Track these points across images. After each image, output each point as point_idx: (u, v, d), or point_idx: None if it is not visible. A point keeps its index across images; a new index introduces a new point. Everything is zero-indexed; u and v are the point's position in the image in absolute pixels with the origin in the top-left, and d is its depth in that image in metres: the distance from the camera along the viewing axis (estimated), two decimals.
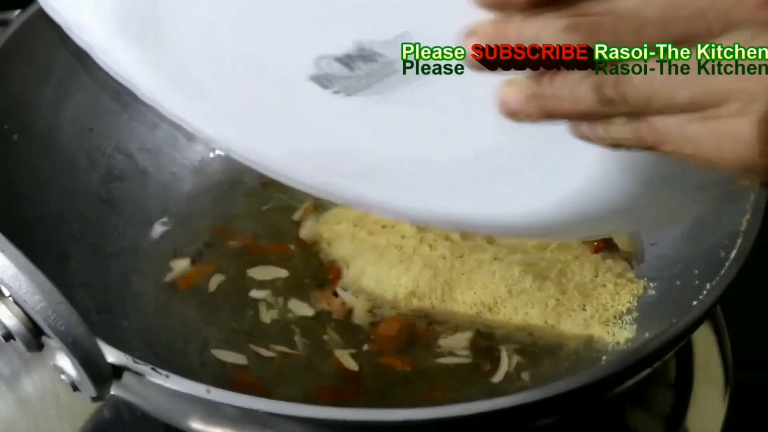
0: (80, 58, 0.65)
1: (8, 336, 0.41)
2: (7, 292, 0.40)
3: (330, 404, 0.50)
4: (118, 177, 0.68)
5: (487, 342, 0.60)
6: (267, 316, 0.62)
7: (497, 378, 0.58)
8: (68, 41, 0.63)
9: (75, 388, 0.42)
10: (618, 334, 0.60)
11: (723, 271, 0.50)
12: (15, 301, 0.40)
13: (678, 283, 0.59)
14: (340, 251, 0.66)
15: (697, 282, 0.55)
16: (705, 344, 0.65)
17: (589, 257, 0.65)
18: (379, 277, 0.64)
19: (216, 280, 0.64)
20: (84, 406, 0.58)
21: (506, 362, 0.59)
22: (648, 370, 0.49)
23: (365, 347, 0.60)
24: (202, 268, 0.65)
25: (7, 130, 0.59)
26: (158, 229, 0.67)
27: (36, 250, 0.57)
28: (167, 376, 0.43)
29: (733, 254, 0.51)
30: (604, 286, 0.63)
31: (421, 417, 0.42)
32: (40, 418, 0.58)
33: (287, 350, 0.60)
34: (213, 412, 0.44)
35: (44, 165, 0.62)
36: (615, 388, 0.47)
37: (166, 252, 0.66)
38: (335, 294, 0.64)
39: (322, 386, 0.58)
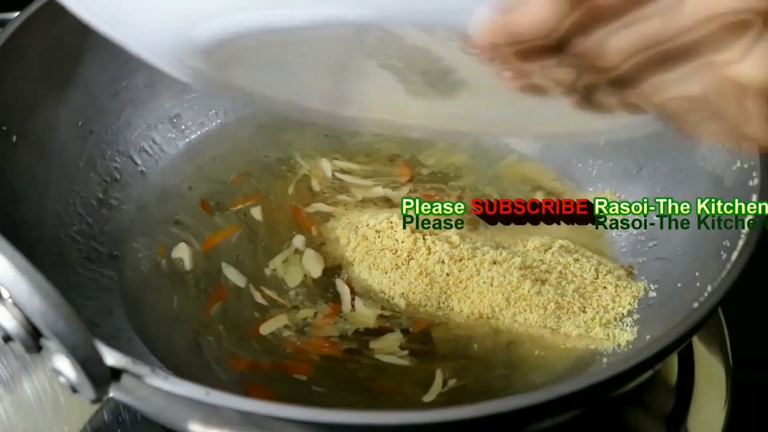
0: (80, 59, 0.66)
1: (7, 338, 0.41)
2: (6, 294, 0.40)
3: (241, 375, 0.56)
4: (117, 179, 0.68)
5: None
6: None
7: (428, 398, 0.58)
8: (67, 43, 0.64)
9: (74, 390, 0.42)
10: (619, 337, 0.60)
11: (724, 274, 0.50)
12: (14, 303, 0.40)
13: (679, 285, 0.59)
14: (338, 252, 0.66)
15: (698, 284, 0.55)
16: (705, 345, 0.65)
17: (589, 259, 0.64)
18: (375, 283, 0.64)
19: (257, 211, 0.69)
20: (83, 408, 0.58)
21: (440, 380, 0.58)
22: (649, 372, 0.49)
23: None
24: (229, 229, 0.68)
25: (6, 131, 0.59)
26: (158, 230, 0.67)
27: (35, 251, 0.58)
28: (166, 378, 0.43)
29: (734, 256, 0.51)
30: (605, 288, 0.63)
31: (421, 420, 0.42)
32: (39, 420, 0.58)
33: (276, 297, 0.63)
34: (212, 414, 0.44)
35: (43, 167, 0.62)
36: (616, 391, 0.47)
37: (165, 253, 0.66)
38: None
39: (242, 358, 0.59)
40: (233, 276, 0.65)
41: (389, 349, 0.60)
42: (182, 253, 0.66)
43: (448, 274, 0.63)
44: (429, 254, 0.64)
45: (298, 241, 0.67)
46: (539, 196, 0.72)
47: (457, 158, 0.74)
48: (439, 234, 0.66)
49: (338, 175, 0.73)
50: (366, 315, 0.62)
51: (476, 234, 0.67)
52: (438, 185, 0.72)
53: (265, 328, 0.61)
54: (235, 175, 0.72)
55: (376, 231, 0.66)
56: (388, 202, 0.71)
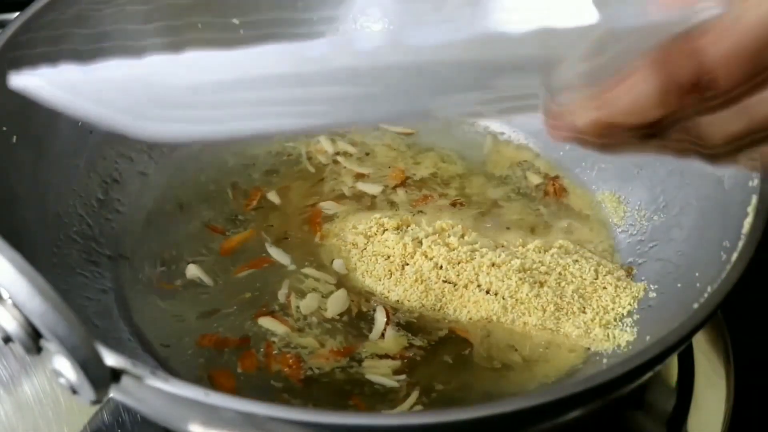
0: (80, 60, 0.65)
1: (7, 339, 0.41)
2: (5, 295, 0.40)
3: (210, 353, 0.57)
4: (117, 180, 0.68)
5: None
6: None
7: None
8: (67, 44, 0.64)
9: (74, 391, 0.42)
10: (619, 337, 0.60)
11: (724, 275, 0.50)
12: (14, 304, 0.40)
13: (679, 285, 0.59)
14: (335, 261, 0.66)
15: (698, 285, 0.55)
16: (705, 345, 0.65)
17: (588, 260, 0.64)
18: (370, 290, 0.63)
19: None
20: (83, 409, 0.58)
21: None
22: (649, 374, 0.49)
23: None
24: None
25: (6, 132, 0.59)
26: (158, 231, 0.67)
27: (35, 252, 0.58)
28: (166, 380, 0.43)
29: (734, 257, 0.51)
30: (605, 288, 0.62)
31: (422, 421, 0.42)
32: (39, 421, 0.58)
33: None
34: (212, 415, 0.44)
35: (43, 167, 0.62)
36: (616, 392, 0.47)
37: (166, 254, 0.66)
38: None
39: (214, 335, 0.60)
40: (277, 255, 0.65)
41: (383, 372, 0.58)
42: (195, 272, 0.64)
43: (444, 281, 0.62)
44: (425, 259, 0.63)
45: (338, 265, 0.65)
46: (534, 179, 0.72)
47: (451, 167, 0.73)
48: (435, 237, 0.65)
49: (337, 158, 0.73)
50: (392, 345, 0.60)
51: (477, 234, 0.67)
52: (429, 190, 0.71)
53: (263, 321, 0.61)
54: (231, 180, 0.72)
55: (365, 236, 0.66)
56: (376, 201, 0.71)
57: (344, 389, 0.57)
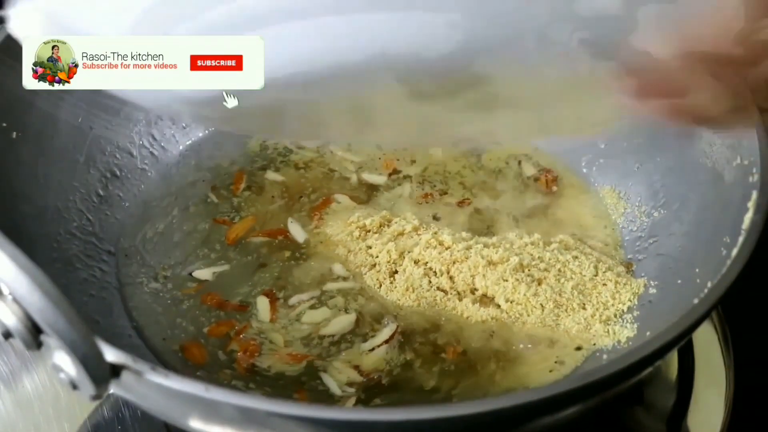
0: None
1: (7, 334, 0.41)
2: (6, 290, 0.40)
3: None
4: (117, 175, 0.68)
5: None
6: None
7: None
8: None
9: (74, 386, 0.42)
10: (619, 333, 0.60)
11: (724, 270, 0.50)
12: (14, 300, 0.40)
13: (679, 281, 0.59)
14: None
15: (698, 280, 0.55)
16: (706, 343, 0.65)
17: (588, 256, 0.64)
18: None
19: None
20: (83, 404, 0.58)
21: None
22: (649, 369, 0.49)
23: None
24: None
25: (6, 128, 0.59)
26: (159, 227, 0.67)
27: (35, 248, 0.58)
28: (166, 375, 0.43)
29: (734, 252, 0.51)
30: (605, 284, 0.62)
31: (422, 416, 0.42)
32: (39, 416, 0.58)
33: None
34: (212, 410, 0.44)
35: (43, 163, 0.62)
36: (616, 387, 0.47)
37: (166, 249, 0.66)
38: None
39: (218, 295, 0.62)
40: (296, 231, 0.66)
41: (338, 378, 0.58)
42: (204, 275, 0.64)
43: (438, 288, 0.62)
44: (415, 266, 0.62)
45: (338, 269, 0.64)
46: (528, 170, 0.72)
47: (450, 166, 0.73)
48: (429, 237, 0.64)
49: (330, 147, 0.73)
50: (369, 362, 0.59)
51: (472, 229, 0.67)
52: (430, 188, 0.71)
53: (260, 301, 0.62)
54: (236, 170, 0.72)
55: (344, 245, 0.65)
56: (363, 195, 0.70)
57: (293, 380, 0.57)
